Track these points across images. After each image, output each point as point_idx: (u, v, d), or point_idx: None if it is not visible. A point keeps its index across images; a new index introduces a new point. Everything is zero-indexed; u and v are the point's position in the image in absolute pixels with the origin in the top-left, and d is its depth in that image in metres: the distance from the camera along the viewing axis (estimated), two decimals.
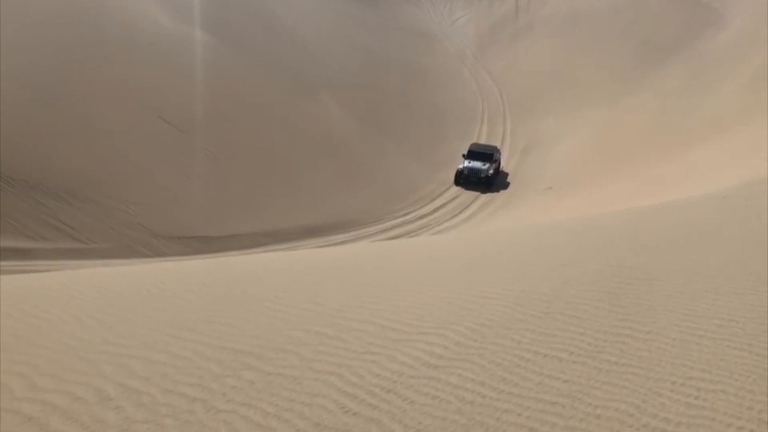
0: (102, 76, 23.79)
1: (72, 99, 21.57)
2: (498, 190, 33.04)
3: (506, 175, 35.70)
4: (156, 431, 3.28)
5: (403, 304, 5.01)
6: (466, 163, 32.66)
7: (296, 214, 23.08)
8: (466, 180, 32.43)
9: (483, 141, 39.31)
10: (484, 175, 32.39)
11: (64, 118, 20.41)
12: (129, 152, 20.53)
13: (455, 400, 3.40)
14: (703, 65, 41.57)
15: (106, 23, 28.36)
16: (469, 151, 33.39)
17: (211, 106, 26.22)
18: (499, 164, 34.85)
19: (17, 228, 16.15)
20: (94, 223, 17.37)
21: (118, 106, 22.63)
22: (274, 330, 4.77)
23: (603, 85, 45.19)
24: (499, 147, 36.44)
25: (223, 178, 22.64)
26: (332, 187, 26.90)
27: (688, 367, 3.49)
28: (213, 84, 28.18)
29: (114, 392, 3.74)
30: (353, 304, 5.31)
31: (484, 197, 31.46)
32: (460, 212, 29.30)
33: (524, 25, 61.45)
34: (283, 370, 3.95)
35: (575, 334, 4.25)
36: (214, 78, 28.86)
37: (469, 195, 31.67)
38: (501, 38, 60.94)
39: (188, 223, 19.20)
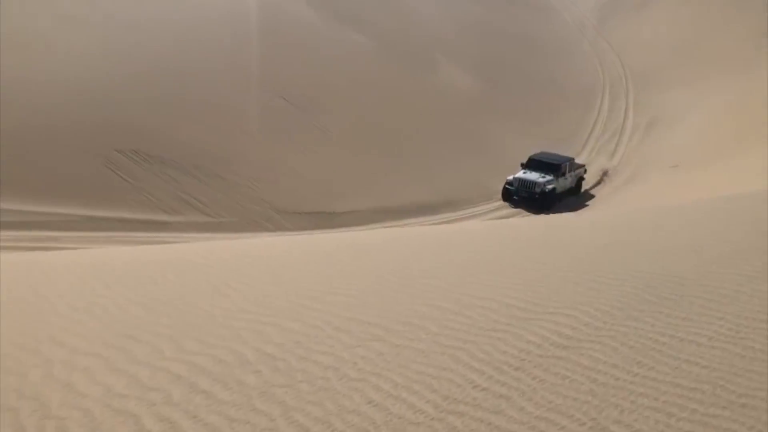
0: (230, 62, 24.98)
1: (203, 83, 22.82)
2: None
3: (590, 197, 27.82)
4: (293, 395, 3.46)
5: (528, 283, 4.96)
6: (519, 174, 24.88)
7: (410, 191, 23.25)
8: (514, 194, 24.80)
9: (603, 117, 36.99)
10: (539, 190, 24.06)
11: (195, 101, 21.65)
12: (254, 131, 21.49)
13: (587, 381, 3.34)
14: None
15: (229, 7, 29.67)
16: (530, 160, 25.45)
17: (329, 85, 26.84)
18: (578, 183, 26.99)
19: (153, 202, 17.37)
20: (222, 198, 18.37)
21: (244, 88, 23.70)
22: (398, 303, 4.87)
23: (734, 55, 41.89)
24: (578, 160, 27.96)
25: (341, 156, 23.18)
26: (446, 164, 26.83)
27: None
28: (332, 63, 28.80)
29: (252, 357, 3.97)
30: (474, 281, 5.32)
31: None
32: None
33: None
34: (410, 342, 4.04)
35: (713, 318, 4.04)
36: (333, 57, 29.47)
37: (588, 170, 30.36)
38: (624, 8, 57.82)
39: (308, 199, 19.87)
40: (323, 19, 33.66)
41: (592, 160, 31.35)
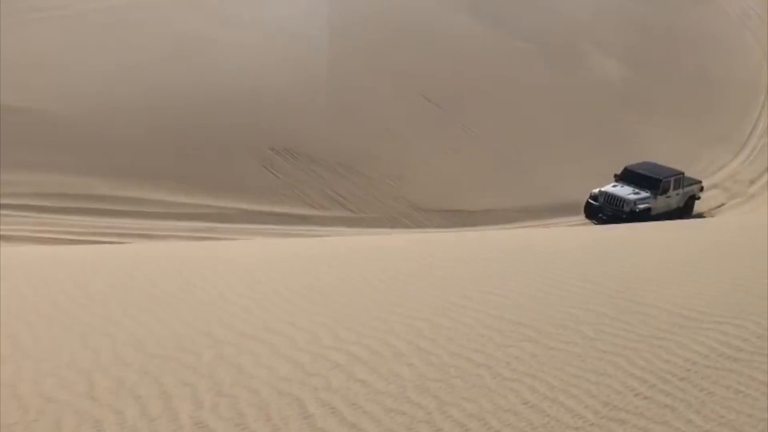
0: (374, 62, 25.60)
1: (349, 84, 23.58)
2: None
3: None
4: (446, 390, 3.51)
5: (693, 288, 4.69)
6: (607, 187, 20.40)
7: (551, 190, 22.59)
8: (599, 211, 20.28)
9: (763, 120, 33.56)
10: (627, 209, 19.69)
11: (341, 101, 22.42)
12: (395, 129, 21.89)
13: (762, 397, 3.12)
14: None
15: (373, 11, 30.37)
16: (625, 171, 21.03)
17: (471, 83, 26.73)
18: (688, 203, 22.00)
19: (300, 197, 18.18)
20: (363, 194, 18.89)
21: (387, 87, 24.20)
22: (550, 305, 4.79)
23: None
24: (693, 177, 22.62)
25: (480, 154, 23.01)
26: (588, 163, 25.82)
27: None
28: (475, 61, 28.65)
29: (406, 350, 4.07)
30: (632, 285, 5.10)
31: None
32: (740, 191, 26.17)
33: None
34: (565, 346, 3.96)
35: None
36: (476, 55, 29.30)
37: (750, 170, 27.87)
38: None
39: (447, 196, 19.93)
40: (465, 16, 33.55)
41: (752, 161, 28.76)
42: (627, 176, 20.87)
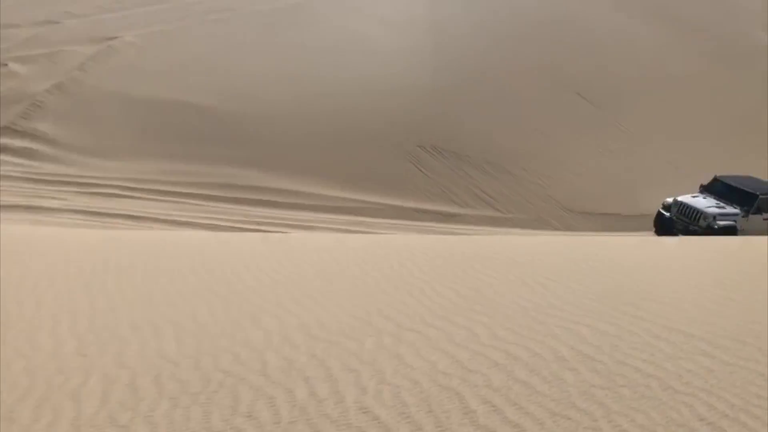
0: (529, 59, 25.15)
1: (500, 80, 23.33)
2: None
3: None
4: (613, 399, 3.39)
5: None
6: (684, 197, 17.14)
7: None
8: (669, 225, 16.99)
9: None
10: (704, 224, 16.29)
11: (489, 99, 22.24)
12: (546, 128, 21.33)
13: None
14: None
15: (531, 8, 29.78)
16: (714, 181, 17.53)
17: (628, 81, 25.45)
18: None
19: (446, 194, 18.24)
20: (510, 194, 18.60)
21: (541, 85, 23.66)
22: (725, 318, 4.47)
23: None
24: None
25: (637, 155, 21.85)
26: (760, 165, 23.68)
27: None
28: (632, 58, 27.24)
29: (568, 354, 3.98)
30: None
31: None
32: None
33: None
34: (744, 362, 3.68)
35: None
36: (633, 52, 27.85)
37: None
38: None
39: (599, 199, 19.12)
40: (622, 14, 31.97)
41: None
42: (716, 188, 17.40)
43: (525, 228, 17.93)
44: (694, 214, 16.47)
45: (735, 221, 16.44)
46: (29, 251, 7.17)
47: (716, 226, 16.12)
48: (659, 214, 17.38)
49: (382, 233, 13.77)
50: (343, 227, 15.16)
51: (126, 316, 4.99)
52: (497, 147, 20.31)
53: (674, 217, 16.81)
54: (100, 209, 13.48)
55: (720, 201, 16.77)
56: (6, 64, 19.41)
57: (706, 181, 17.75)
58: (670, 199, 17.25)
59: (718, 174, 17.75)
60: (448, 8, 28.61)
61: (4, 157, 15.41)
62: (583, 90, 24.24)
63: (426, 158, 18.92)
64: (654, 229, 17.53)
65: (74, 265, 6.38)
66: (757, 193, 16.85)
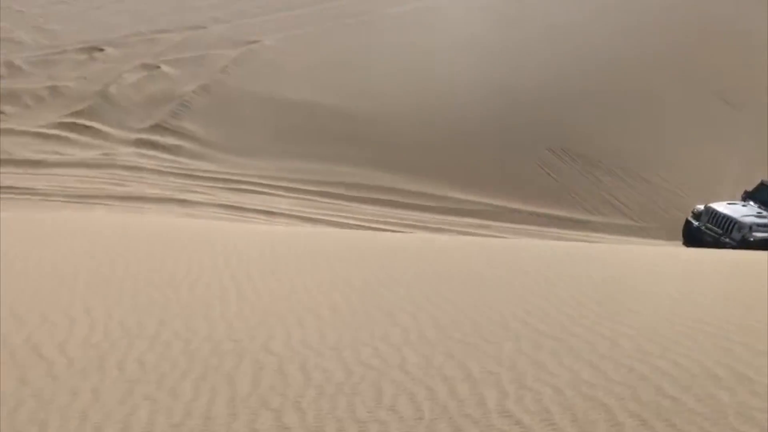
0: (664, 61, 23.93)
1: (634, 83, 22.36)
2: None
3: None
4: None
5: None
6: (717, 204, 15.28)
7: None
8: (697, 235, 15.26)
9: None
10: (738, 235, 14.39)
11: (624, 102, 21.35)
12: (687, 134, 20.16)
13: None
14: None
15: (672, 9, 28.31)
16: (762, 187, 15.56)
17: None
18: None
19: (576, 201, 17.68)
20: (645, 202, 17.72)
21: (682, 89, 22.45)
22: None
23: None
24: None
25: None
26: None
27: None
28: None
29: (722, 373, 3.76)
30: None
31: None
32: None
33: None
34: None
35: None
36: None
37: None
38: None
39: None
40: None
41: None
42: (762, 195, 15.44)
43: (657, 239, 17.06)
44: (727, 223, 14.69)
45: None
46: (185, 241, 7.75)
47: (752, 239, 14.34)
48: (687, 222, 15.87)
49: (509, 237, 13.59)
50: (470, 230, 15.12)
51: (270, 306, 5.27)
52: (631, 152, 19.50)
53: (703, 227, 15.19)
54: (238, 204, 14.29)
55: (764, 210, 14.94)
56: (159, 67, 21.00)
57: None
58: (701, 206, 15.65)
59: (765, 179, 15.80)
60: (570, 10, 27.79)
61: (155, 153, 16.69)
62: (728, 95, 22.75)
63: (555, 162, 18.47)
64: (682, 240, 15.99)
65: (235, 257, 6.80)
66: None
